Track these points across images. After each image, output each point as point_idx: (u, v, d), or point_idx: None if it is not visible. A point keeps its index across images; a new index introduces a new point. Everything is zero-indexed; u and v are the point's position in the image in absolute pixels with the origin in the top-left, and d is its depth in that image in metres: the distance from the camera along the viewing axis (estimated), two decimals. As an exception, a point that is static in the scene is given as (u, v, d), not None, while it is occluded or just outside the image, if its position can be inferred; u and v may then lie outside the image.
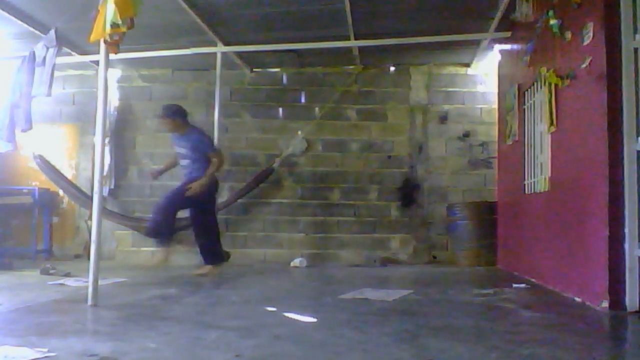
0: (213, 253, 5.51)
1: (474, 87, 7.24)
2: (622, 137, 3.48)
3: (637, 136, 3.47)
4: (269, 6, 5.44)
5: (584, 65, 3.83)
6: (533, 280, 4.95)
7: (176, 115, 5.46)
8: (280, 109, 7.36)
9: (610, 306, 3.43)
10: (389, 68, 7.31)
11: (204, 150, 5.42)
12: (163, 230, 5.31)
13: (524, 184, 5.50)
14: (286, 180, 7.28)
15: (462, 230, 6.60)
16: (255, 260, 7.07)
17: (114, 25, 3.57)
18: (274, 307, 3.71)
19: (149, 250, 7.27)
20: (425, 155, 7.20)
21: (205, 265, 5.47)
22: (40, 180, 7.21)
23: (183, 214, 7.11)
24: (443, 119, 7.21)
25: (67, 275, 5.26)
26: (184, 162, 5.52)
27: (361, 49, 6.61)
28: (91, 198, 3.98)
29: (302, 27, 5.96)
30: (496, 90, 6.97)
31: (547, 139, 4.69)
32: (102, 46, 3.74)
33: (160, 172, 5.83)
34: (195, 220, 5.57)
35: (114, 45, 3.73)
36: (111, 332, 2.96)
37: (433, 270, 6.24)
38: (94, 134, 6.28)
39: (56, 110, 7.40)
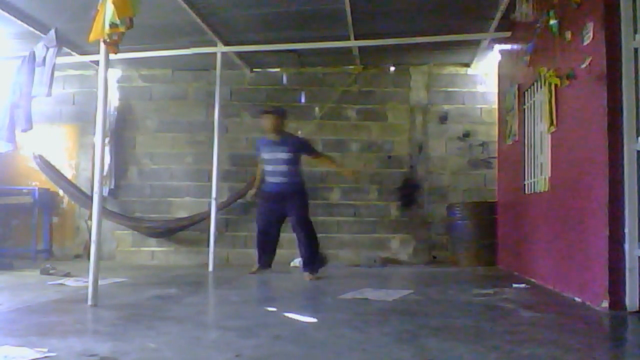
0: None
1: (474, 87, 7.23)
2: (622, 137, 3.47)
3: (637, 136, 3.46)
4: (269, 6, 5.43)
5: (584, 65, 3.82)
6: (533, 280, 4.95)
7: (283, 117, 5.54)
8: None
9: (610, 306, 3.43)
10: (389, 68, 7.30)
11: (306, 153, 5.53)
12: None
13: (524, 184, 5.50)
14: (286, 180, 7.27)
15: (462, 230, 6.59)
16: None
17: (113, 25, 3.58)
18: (274, 307, 3.72)
19: (149, 250, 7.30)
20: (425, 155, 7.20)
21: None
22: (40, 180, 7.21)
23: (182, 213, 7.21)
24: (443, 119, 7.21)
25: (67, 275, 5.26)
26: (280, 167, 5.38)
27: (361, 49, 6.61)
28: (91, 198, 3.98)
29: (302, 27, 5.96)
30: (496, 90, 6.96)
31: (547, 139, 4.68)
32: (102, 46, 3.74)
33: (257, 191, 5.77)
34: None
35: (114, 45, 3.73)
36: (111, 332, 2.95)
37: (433, 270, 6.24)
38: (94, 134, 6.28)
39: (56, 110, 7.40)
